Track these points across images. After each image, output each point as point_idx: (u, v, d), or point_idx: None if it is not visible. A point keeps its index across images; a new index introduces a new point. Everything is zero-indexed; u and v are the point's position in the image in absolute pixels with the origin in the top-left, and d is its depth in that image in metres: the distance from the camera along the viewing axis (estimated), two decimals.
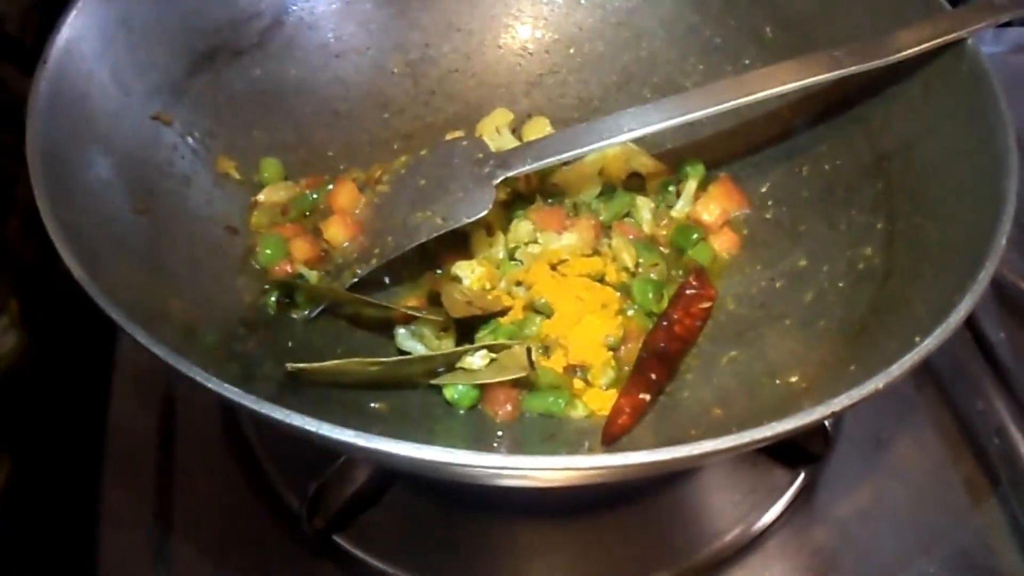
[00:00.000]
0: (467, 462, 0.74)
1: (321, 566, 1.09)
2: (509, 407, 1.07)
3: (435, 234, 1.13)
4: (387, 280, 1.20)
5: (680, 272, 1.22)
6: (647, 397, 1.05)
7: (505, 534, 1.12)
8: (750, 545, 1.11)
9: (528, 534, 1.13)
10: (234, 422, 1.18)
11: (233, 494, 1.13)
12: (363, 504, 1.10)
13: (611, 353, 1.12)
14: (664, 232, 1.26)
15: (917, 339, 0.84)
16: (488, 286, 1.18)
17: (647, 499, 1.14)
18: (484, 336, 1.12)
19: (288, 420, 0.76)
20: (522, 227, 1.22)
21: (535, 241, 1.22)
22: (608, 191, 1.28)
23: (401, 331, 1.12)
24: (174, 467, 1.15)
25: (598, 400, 1.08)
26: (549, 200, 1.26)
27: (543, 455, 0.77)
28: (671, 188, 1.29)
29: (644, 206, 1.27)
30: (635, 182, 1.31)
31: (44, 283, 1.24)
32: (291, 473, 1.13)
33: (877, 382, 0.81)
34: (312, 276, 1.18)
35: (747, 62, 1.30)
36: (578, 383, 1.11)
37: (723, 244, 1.24)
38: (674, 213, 1.27)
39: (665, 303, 1.17)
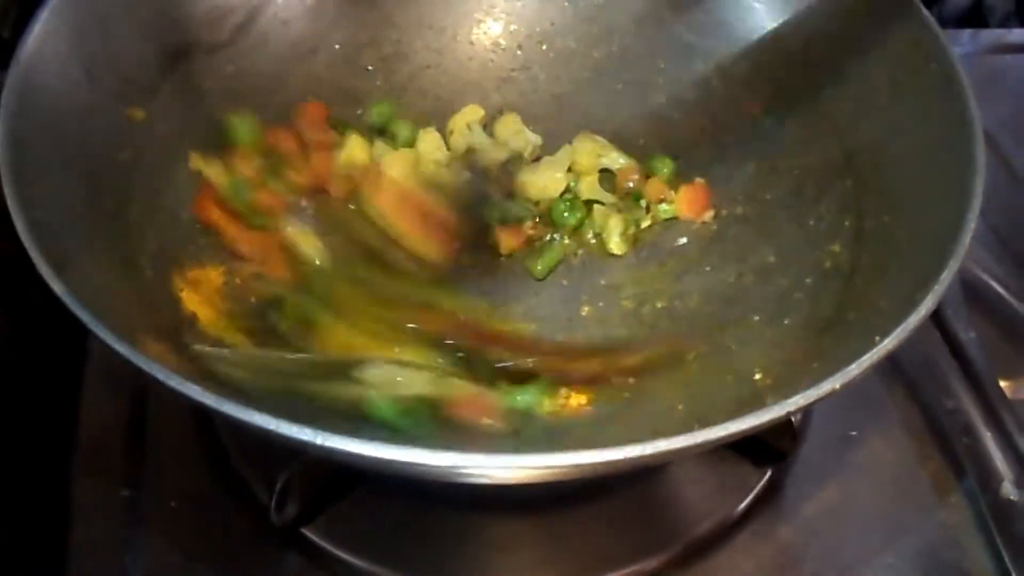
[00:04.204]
0: (424, 461, 0.73)
1: (290, 558, 1.09)
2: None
3: None
4: None
5: None
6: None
7: (476, 528, 1.12)
8: (716, 541, 1.11)
9: (499, 528, 1.13)
10: (204, 414, 1.18)
11: (203, 486, 1.13)
12: (332, 497, 1.10)
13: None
14: None
15: (878, 338, 0.85)
16: None
17: (614, 495, 1.14)
18: None
19: (249, 419, 0.76)
20: None
21: None
22: (575, 207, 1.28)
23: None
24: (144, 459, 1.15)
25: (564, 396, 1.09)
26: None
27: (502, 453, 0.77)
28: (641, 202, 1.29)
29: (615, 228, 1.27)
30: (606, 178, 1.31)
31: (17, 274, 1.24)
32: (260, 465, 1.12)
33: (835, 381, 0.81)
34: None
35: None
36: (547, 380, 1.11)
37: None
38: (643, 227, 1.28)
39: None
